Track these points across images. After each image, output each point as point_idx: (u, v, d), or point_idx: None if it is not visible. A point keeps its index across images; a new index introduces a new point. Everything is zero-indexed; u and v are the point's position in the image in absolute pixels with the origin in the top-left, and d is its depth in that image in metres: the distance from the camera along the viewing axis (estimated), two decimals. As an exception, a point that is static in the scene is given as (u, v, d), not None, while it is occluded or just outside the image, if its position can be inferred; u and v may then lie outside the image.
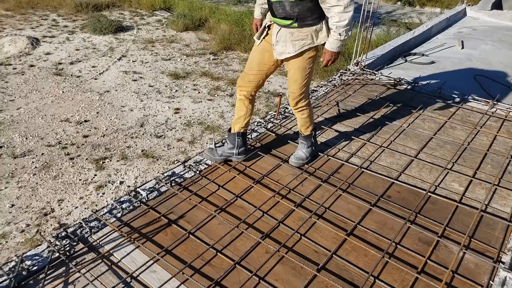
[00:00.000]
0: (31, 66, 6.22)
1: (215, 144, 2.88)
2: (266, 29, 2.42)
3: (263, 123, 3.25)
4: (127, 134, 4.50)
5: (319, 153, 2.86)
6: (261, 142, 2.98)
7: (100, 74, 6.07)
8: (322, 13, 2.22)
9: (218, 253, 2.02)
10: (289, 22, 2.24)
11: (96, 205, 3.42)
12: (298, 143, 2.79)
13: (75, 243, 2.06)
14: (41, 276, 1.87)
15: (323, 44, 2.29)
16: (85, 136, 4.42)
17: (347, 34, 2.17)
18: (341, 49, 2.25)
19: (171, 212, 2.30)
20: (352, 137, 3.09)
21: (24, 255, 1.97)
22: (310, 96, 3.75)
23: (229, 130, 2.67)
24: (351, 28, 2.17)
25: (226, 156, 2.70)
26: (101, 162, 3.97)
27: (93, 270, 1.91)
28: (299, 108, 2.55)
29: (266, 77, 2.53)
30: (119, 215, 2.25)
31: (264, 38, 2.44)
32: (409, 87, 4.01)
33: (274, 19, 2.31)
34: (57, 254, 1.97)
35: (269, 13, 2.36)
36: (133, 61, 6.55)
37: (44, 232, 3.11)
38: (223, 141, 2.98)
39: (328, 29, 2.25)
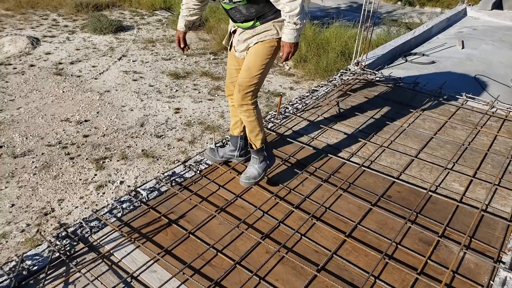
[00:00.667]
0: (31, 66, 6.22)
1: (216, 144, 2.88)
2: (233, 35, 2.37)
3: (263, 122, 3.24)
4: (127, 134, 4.50)
5: (320, 152, 2.86)
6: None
7: (100, 74, 6.07)
8: None
9: (218, 253, 2.02)
10: (250, 23, 2.17)
11: (96, 205, 3.42)
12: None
13: (75, 243, 2.06)
14: (41, 276, 1.87)
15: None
16: (85, 136, 4.42)
17: (302, 22, 2.06)
18: (298, 39, 2.14)
19: (171, 212, 2.30)
20: (353, 136, 3.09)
21: (25, 255, 1.97)
22: (311, 96, 3.75)
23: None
24: (304, 16, 2.07)
25: (227, 157, 2.71)
26: (101, 162, 3.97)
27: (93, 270, 1.91)
28: (244, 105, 2.28)
29: None
30: (119, 215, 2.25)
31: (232, 43, 2.40)
32: (409, 87, 4.01)
33: (237, 24, 2.26)
34: (57, 254, 1.98)
35: (230, 20, 2.31)
36: (133, 61, 6.55)
37: (45, 232, 3.11)
38: (224, 141, 2.98)
39: None
